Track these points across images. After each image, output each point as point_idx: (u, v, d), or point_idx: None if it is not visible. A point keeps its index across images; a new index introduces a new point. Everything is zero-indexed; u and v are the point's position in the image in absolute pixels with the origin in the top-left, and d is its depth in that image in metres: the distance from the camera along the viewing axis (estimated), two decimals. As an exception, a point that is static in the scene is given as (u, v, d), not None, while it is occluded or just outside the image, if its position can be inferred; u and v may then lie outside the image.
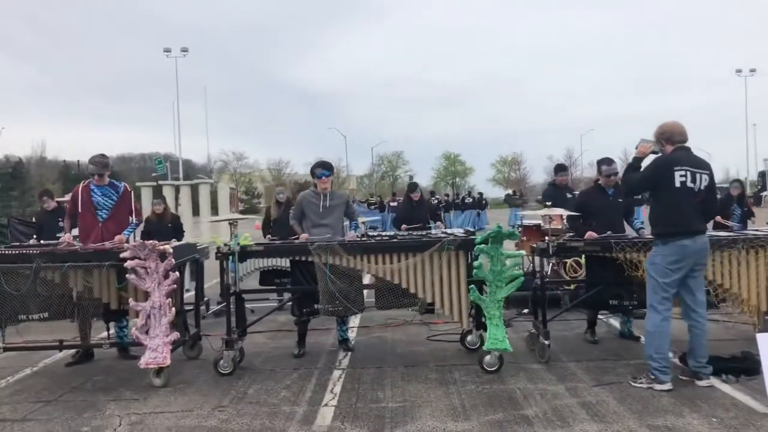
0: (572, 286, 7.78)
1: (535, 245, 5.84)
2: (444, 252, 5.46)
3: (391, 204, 26.28)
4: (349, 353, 6.16)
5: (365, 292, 6.14)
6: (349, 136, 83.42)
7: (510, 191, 31.86)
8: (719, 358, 5.08)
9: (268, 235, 8.48)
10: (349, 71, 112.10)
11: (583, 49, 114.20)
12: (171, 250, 5.25)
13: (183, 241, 8.90)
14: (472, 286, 5.33)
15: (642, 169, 5.02)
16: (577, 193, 8.64)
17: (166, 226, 9.02)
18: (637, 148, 5.12)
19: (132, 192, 6.74)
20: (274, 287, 7.88)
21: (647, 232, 6.20)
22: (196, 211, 25.09)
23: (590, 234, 6.22)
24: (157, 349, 5.16)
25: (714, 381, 4.82)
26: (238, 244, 5.57)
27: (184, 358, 6.05)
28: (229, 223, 5.81)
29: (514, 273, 5.33)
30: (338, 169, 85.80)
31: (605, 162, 6.67)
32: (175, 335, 5.26)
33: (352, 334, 6.96)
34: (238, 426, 4.30)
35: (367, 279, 6.43)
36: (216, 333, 6.78)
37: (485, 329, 5.80)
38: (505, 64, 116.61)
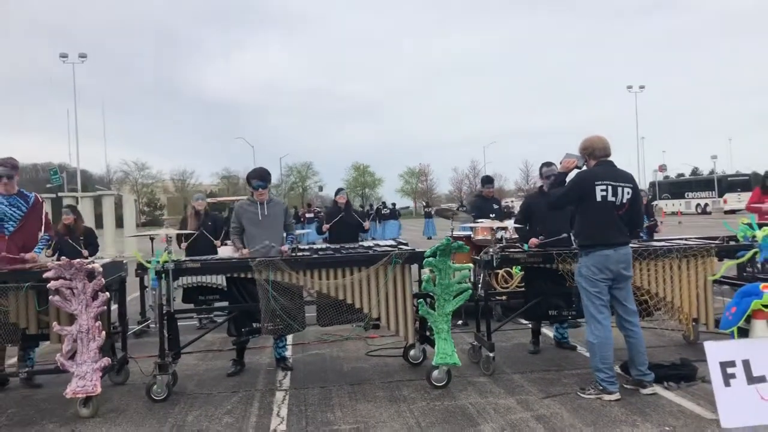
0: (504, 297, 7.87)
1: (477, 257, 5.83)
2: (392, 266, 5.35)
3: (307, 215, 25.92)
4: (289, 373, 5.92)
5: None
6: (257, 147, 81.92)
7: (424, 202, 32.23)
8: (660, 366, 5.22)
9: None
10: (257, 81, 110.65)
11: (486, 64, 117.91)
12: (101, 269, 4.85)
13: (97, 256, 8.38)
14: (421, 300, 5.24)
15: (566, 184, 5.11)
16: (503, 203, 8.77)
17: (77, 240, 8.44)
18: (561, 162, 5.22)
19: (44, 203, 6.24)
20: (203, 306, 7.50)
21: None
22: (99, 224, 23.81)
23: (533, 242, 6.29)
24: (85, 376, 4.75)
25: (657, 389, 4.94)
26: (173, 261, 5.23)
27: (110, 384, 5.62)
28: (179, 241, 5.44)
29: (462, 286, 5.28)
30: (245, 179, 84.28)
31: (545, 165, 6.72)
32: (106, 361, 4.86)
33: (287, 353, 6.71)
34: (183, 458, 4.00)
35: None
36: (140, 355, 6.36)
37: (428, 343, 5.75)
38: (412, 77, 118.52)
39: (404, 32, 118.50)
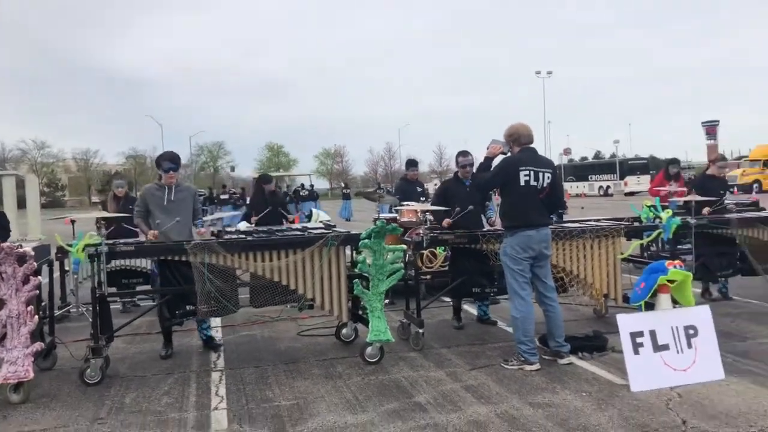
0: (429, 276, 8.17)
1: (409, 238, 6.07)
2: (327, 248, 5.51)
3: (222, 197, 25.53)
4: (222, 353, 5.99)
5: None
6: (165, 125, 79.42)
7: (343, 184, 32.36)
8: (575, 338, 5.64)
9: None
10: (165, 57, 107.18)
11: (400, 46, 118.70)
12: (32, 253, 4.76)
13: (10, 240, 8.06)
14: (356, 280, 5.44)
15: (492, 169, 5.43)
16: (427, 186, 9.08)
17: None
18: (488, 148, 5.54)
19: None
20: (135, 290, 7.42)
21: (495, 221, 6.73)
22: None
23: (447, 221, 6.58)
24: (16, 362, 4.67)
25: (573, 359, 5.35)
26: (105, 243, 5.19)
27: (36, 369, 5.50)
28: (98, 223, 5.37)
29: (394, 266, 5.51)
30: (154, 159, 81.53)
31: (462, 154, 7.04)
32: (38, 346, 4.79)
33: (218, 334, 6.77)
34: (127, 438, 4.05)
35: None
36: (64, 340, 6.25)
37: (361, 322, 5.97)
38: (326, 56, 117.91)
39: (318, 8, 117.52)
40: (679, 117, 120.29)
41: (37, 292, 4.87)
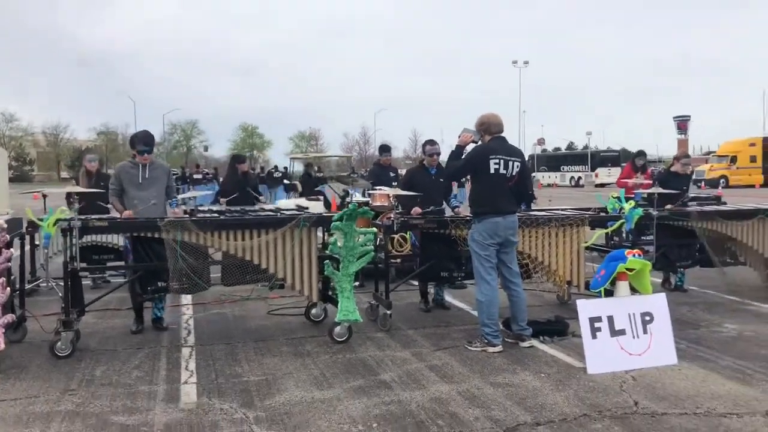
0: (398, 260, 8.31)
1: (380, 222, 6.20)
2: (299, 229, 5.61)
3: (195, 176, 25.37)
4: (193, 330, 6.08)
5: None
6: (138, 102, 78.23)
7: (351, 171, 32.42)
8: (537, 322, 5.83)
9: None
10: (137, 30, 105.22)
11: (377, 28, 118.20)
12: (5, 225, 4.79)
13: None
14: (327, 261, 5.55)
15: (463, 157, 5.58)
16: (401, 171, 9.20)
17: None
18: (459, 136, 5.68)
19: None
20: (104, 265, 7.44)
21: (461, 210, 6.90)
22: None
23: (415, 209, 6.71)
24: (-13, 333, 4.71)
25: (534, 342, 5.55)
26: (79, 218, 5.22)
27: (6, 341, 5.54)
28: (69, 198, 5.40)
29: (365, 249, 5.64)
30: (126, 136, 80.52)
31: (429, 143, 7.22)
32: (10, 317, 4.84)
33: (188, 312, 6.85)
34: (97, 408, 4.13)
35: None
36: (34, 314, 6.27)
37: (330, 302, 6.10)
38: (301, 36, 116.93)
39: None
40: (652, 111, 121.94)
41: (10, 264, 4.91)
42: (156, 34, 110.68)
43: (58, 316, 5.54)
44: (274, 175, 27.03)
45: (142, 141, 6.01)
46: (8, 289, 4.84)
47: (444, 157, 7.31)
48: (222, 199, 9.23)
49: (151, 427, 3.84)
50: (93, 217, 5.52)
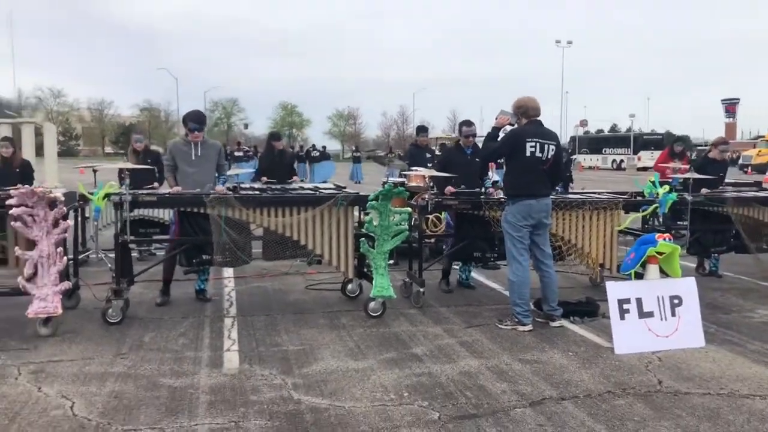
0: (432, 240, 8.47)
1: (414, 202, 6.37)
2: (337, 208, 5.81)
3: (236, 154, 25.81)
4: (234, 301, 6.36)
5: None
6: (180, 79, 79.23)
7: (389, 150, 32.68)
8: (567, 303, 5.95)
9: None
10: (180, 8, 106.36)
11: (420, 8, 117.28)
12: (63, 198, 5.10)
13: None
14: (362, 239, 5.75)
15: (499, 139, 5.68)
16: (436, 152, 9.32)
17: (14, 171, 8.43)
18: (497, 118, 5.79)
19: None
20: (154, 238, 7.76)
21: (493, 191, 7.00)
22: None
23: (448, 189, 6.83)
24: (46, 298, 5.04)
25: (564, 322, 5.68)
26: (130, 193, 5.51)
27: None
28: (121, 174, 5.69)
29: (399, 228, 5.82)
30: (168, 113, 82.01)
31: (465, 123, 7.33)
32: (66, 284, 5.16)
33: (230, 284, 7.15)
34: (147, 371, 4.42)
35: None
36: (87, 283, 6.62)
37: (365, 278, 6.31)
38: (343, 15, 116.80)
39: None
40: (698, 93, 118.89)
41: (66, 235, 5.22)
42: (199, 13, 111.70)
43: (109, 285, 5.87)
44: (312, 154, 27.32)
45: (194, 119, 6.26)
46: (65, 258, 5.15)
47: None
48: (263, 178, 9.47)
49: (197, 389, 4.11)
50: (142, 191, 5.80)
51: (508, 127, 5.60)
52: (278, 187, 6.94)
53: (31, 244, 5.11)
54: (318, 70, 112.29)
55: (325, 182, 10.08)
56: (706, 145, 45.11)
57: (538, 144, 5.41)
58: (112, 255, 8.10)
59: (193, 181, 6.16)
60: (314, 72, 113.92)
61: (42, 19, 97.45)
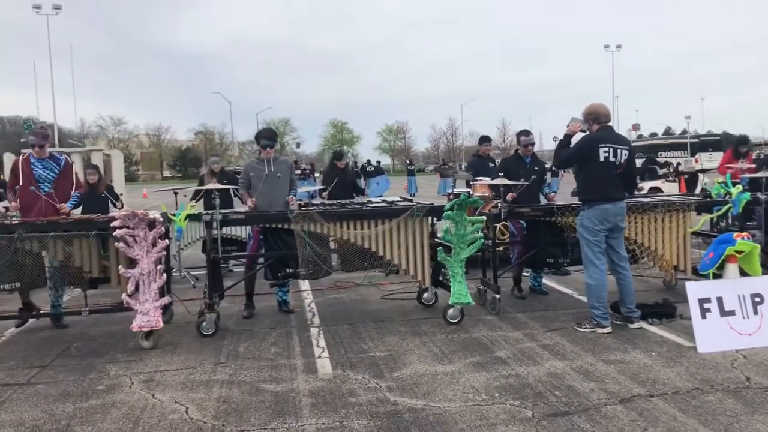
0: (501, 248, 8.61)
1: (487, 211, 6.53)
2: (413, 218, 6.03)
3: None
4: (316, 312, 6.63)
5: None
6: (233, 102, 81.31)
7: (441, 162, 32.97)
8: (645, 305, 6.01)
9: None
10: (226, 34, 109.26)
11: (463, 19, 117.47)
12: (161, 219, 5.46)
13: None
14: (440, 248, 5.95)
15: (572, 145, 5.81)
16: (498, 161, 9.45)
17: (100, 196, 8.96)
18: (568, 126, 5.93)
19: (74, 164, 6.83)
20: (240, 254, 8.09)
21: (554, 197, 7.12)
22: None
23: (511, 195, 6.95)
24: (148, 313, 5.40)
25: (642, 324, 5.74)
26: (220, 212, 5.85)
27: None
28: (208, 194, 6.03)
29: (475, 236, 5.99)
30: (222, 135, 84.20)
31: (524, 133, 7.50)
32: (166, 299, 5.52)
33: (309, 296, 7.43)
34: (248, 378, 4.70)
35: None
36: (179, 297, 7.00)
37: (441, 287, 6.49)
38: (385, 31, 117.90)
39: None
40: (754, 92, 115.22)
41: (165, 253, 5.58)
42: (248, 39, 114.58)
43: (200, 299, 6.21)
44: (367, 169, 27.69)
45: (266, 136, 6.66)
46: (164, 275, 5.51)
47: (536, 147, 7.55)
48: (324, 194, 9.79)
49: (298, 393, 4.36)
50: (230, 211, 6.14)
51: (580, 134, 5.73)
52: (347, 202, 7.20)
53: (131, 263, 5.49)
54: (365, 87, 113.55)
55: (380, 196, 10.33)
56: (766, 144, 43.82)
57: (611, 149, 5.52)
58: (194, 273, 8.56)
59: (269, 197, 6.49)
60: (361, 89, 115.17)
61: (98, 49, 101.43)
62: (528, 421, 3.80)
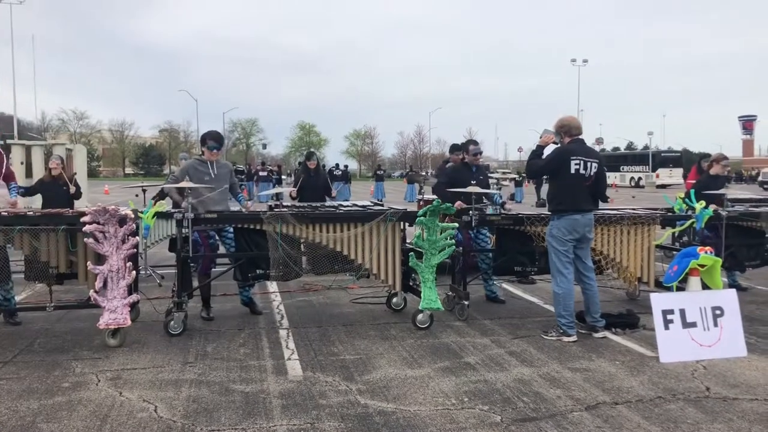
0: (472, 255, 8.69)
1: (458, 218, 6.60)
2: (386, 223, 6.07)
3: (261, 173, 26.20)
4: (285, 314, 6.62)
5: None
6: (199, 100, 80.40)
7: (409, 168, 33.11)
8: (609, 315, 6.15)
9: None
10: (196, 29, 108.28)
11: (434, 25, 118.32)
12: (132, 216, 5.40)
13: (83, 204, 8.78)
14: (411, 253, 6.00)
15: (544, 157, 5.94)
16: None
17: (61, 188, 8.77)
18: (541, 137, 6.06)
19: (3, 156, 6.75)
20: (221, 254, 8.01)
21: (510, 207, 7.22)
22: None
23: (459, 204, 6.99)
24: (116, 310, 5.33)
25: (607, 333, 5.87)
26: (191, 211, 5.80)
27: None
28: (184, 192, 5.99)
29: (446, 242, 6.06)
30: (187, 134, 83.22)
31: (472, 142, 7.67)
32: (135, 297, 5.45)
33: (277, 298, 7.41)
34: (217, 378, 4.67)
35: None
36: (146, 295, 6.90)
37: (411, 292, 6.54)
38: (357, 34, 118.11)
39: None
40: (715, 110, 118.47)
41: (135, 250, 5.52)
42: (218, 35, 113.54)
43: (166, 298, 6.14)
44: (334, 173, 27.69)
45: (214, 138, 6.60)
46: (133, 272, 5.44)
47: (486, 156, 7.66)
48: (292, 192, 9.74)
49: (268, 394, 4.35)
50: (201, 210, 6.08)
51: (552, 146, 5.86)
52: (318, 205, 7.20)
53: (100, 259, 5.42)
54: (335, 90, 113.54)
55: (347, 200, 10.36)
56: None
57: (582, 162, 5.65)
58: (160, 271, 8.46)
59: (210, 200, 6.41)
60: (331, 92, 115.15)
61: (63, 41, 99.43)
62: (497, 425, 3.86)
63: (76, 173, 9.36)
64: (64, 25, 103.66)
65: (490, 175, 9.41)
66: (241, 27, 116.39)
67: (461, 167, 7.64)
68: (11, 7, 38.84)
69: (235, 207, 7.00)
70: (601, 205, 6.35)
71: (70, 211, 5.80)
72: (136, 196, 9.72)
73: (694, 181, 9.60)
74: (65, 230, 5.45)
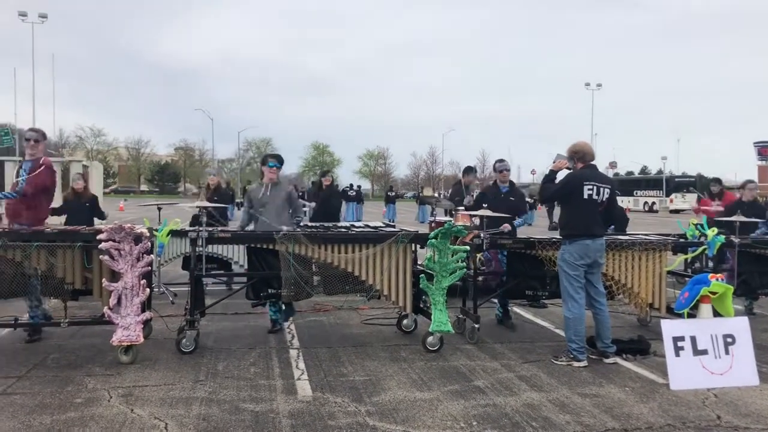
0: (481, 278, 8.70)
1: (469, 241, 6.63)
2: (398, 245, 6.11)
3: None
4: (296, 334, 6.65)
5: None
6: (215, 119, 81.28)
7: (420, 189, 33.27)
8: (620, 341, 6.13)
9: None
10: (214, 50, 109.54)
11: (446, 49, 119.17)
12: (147, 234, 5.48)
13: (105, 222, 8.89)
14: (422, 275, 6.03)
15: (557, 182, 5.97)
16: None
17: (83, 205, 8.93)
18: (554, 162, 6.09)
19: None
20: (227, 273, 8.08)
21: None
22: (65, 190, 23.68)
23: (506, 226, 7.08)
24: (129, 327, 5.39)
25: (617, 359, 5.85)
26: (206, 230, 5.88)
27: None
28: (202, 210, 6.07)
29: (457, 265, 6.09)
30: (202, 152, 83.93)
31: (499, 160, 7.73)
32: (148, 314, 5.51)
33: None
34: (227, 396, 4.71)
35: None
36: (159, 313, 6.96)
37: (422, 314, 6.56)
38: (374, 56, 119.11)
39: (369, 8, 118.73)
40: (730, 135, 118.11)
41: (150, 268, 5.59)
42: (231, 54, 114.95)
43: (178, 316, 6.19)
44: (348, 193, 27.80)
45: (274, 157, 7.01)
46: (148, 289, 5.51)
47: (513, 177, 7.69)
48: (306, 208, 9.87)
49: (278, 414, 4.38)
50: (219, 229, 6.17)
51: (565, 171, 5.89)
52: (330, 225, 7.27)
53: (115, 276, 5.49)
54: (349, 110, 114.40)
55: (359, 220, 10.46)
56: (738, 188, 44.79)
57: (595, 187, 5.68)
58: (173, 289, 8.53)
59: (261, 222, 6.58)
60: (345, 112, 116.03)
61: (81, 59, 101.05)
62: (505, 450, 3.86)
63: (96, 196, 9.51)
64: (83, 43, 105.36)
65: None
66: (257, 49, 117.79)
67: (491, 188, 7.70)
68: (33, 26, 39.56)
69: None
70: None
71: (87, 228, 5.88)
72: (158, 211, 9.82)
73: (704, 207, 9.59)
74: (81, 247, 5.53)
